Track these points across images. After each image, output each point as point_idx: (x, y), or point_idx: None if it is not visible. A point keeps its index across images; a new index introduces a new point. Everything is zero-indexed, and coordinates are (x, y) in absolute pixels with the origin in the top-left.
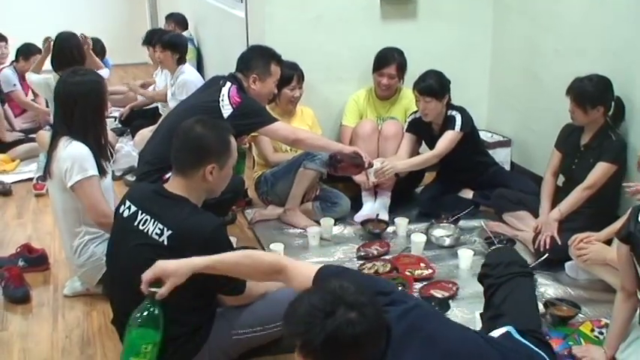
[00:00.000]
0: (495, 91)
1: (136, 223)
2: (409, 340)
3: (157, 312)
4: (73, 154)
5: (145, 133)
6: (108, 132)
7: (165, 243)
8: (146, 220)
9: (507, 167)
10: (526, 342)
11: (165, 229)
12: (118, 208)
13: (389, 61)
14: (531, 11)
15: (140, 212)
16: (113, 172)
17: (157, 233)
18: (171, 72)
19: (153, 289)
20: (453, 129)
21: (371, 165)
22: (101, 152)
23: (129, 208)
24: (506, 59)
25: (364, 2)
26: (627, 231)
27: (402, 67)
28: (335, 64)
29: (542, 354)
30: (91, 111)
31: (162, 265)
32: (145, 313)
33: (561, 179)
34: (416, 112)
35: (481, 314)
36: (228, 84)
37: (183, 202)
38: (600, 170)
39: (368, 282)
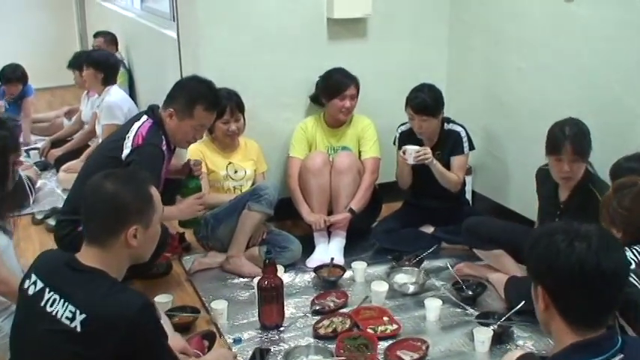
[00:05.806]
0: (452, 114)
1: (42, 304)
2: None
3: None
4: None
5: (72, 167)
6: (31, 169)
7: (79, 329)
8: (54, 300)
9: (469, 196)
10: None
11: (78, 312)
12: (22, 282)
13: (347, 82)
14: (491, 28)
15: (47, 290)
16: (34, 215)
17: (67, 317)
18: (98, 94)
19: None
20: (462, 153)
21: None
22: None
23: (34, 283)
24: (463, 79)
25: (309, 22)
26: None
27: (358, 85)
28: (278, 90)
29: None
30: None
31: None
32: None
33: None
34: (405, 123)
35: None
36: (144, 118)
37: (100, 278)
38: None
39: None
